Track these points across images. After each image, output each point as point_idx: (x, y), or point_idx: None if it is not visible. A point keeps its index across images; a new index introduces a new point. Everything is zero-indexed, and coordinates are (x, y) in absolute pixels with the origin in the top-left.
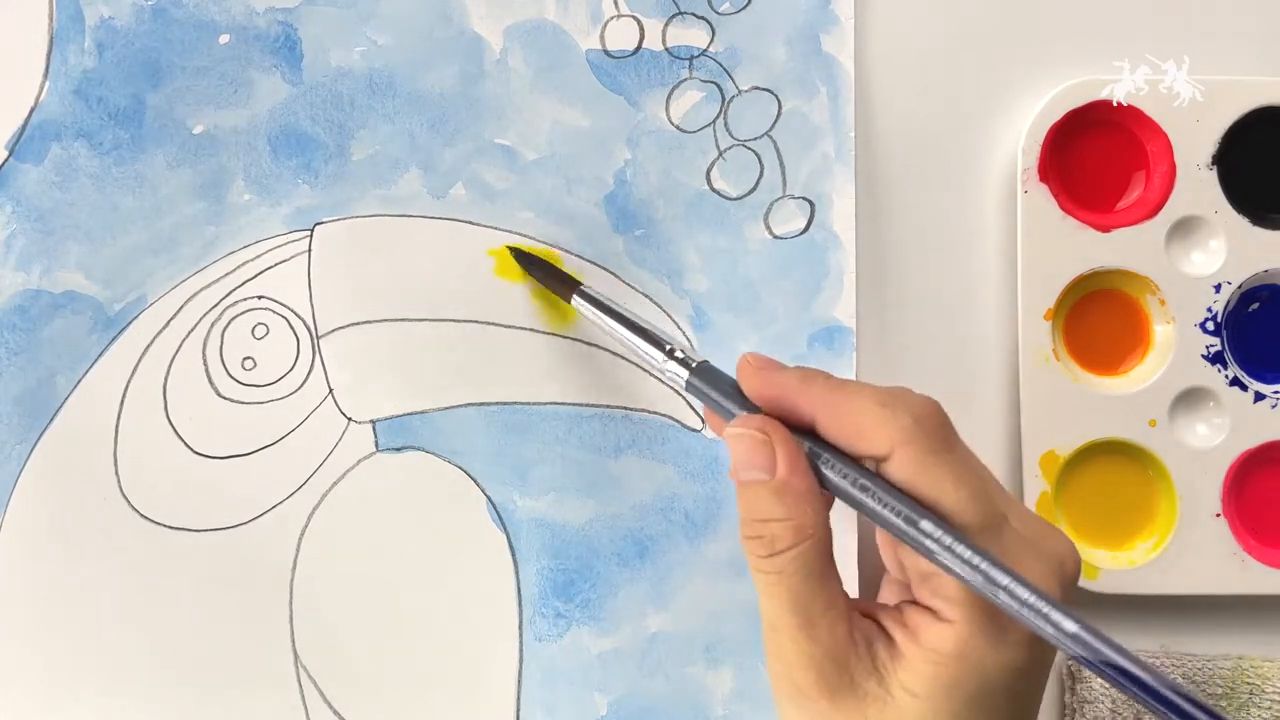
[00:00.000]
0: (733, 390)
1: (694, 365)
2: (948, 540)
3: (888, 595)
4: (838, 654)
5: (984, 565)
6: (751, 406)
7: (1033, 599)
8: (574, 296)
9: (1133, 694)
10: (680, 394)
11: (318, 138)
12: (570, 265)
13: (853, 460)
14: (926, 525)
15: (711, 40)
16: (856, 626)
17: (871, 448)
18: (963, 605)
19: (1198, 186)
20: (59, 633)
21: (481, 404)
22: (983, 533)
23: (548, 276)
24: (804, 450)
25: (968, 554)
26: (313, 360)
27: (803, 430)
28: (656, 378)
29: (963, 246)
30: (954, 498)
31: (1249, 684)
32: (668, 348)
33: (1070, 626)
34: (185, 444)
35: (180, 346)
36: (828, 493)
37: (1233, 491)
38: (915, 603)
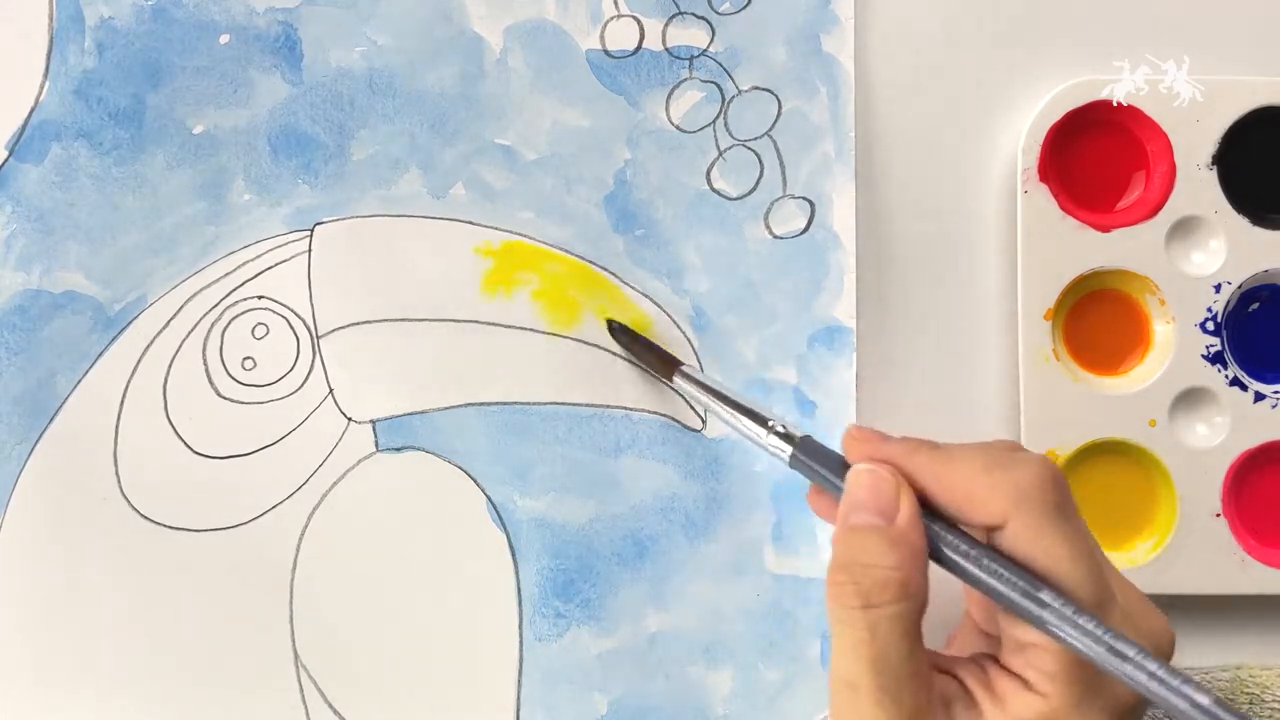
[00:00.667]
0: (838, 465)
1: (798, 440)
2: (1069, 612)
3: (962, 645)
4: (918, 718)
5: (1108, 637)
6: None
7: (1162, 672)
8: (675, 376)
9: None
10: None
11: (318, 138)
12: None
13: (961, 530)
14: (1046, 596)
15: (711, 40)
16: (935, 686)
17: (985, 516)
18: (1060, 681)
19: (1198, 186)
20: (59, 633)
21: (481, 404)
22: (1095, 608)
23: (647, 353)
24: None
25: (1091, 626)
26: (313, 360)
27: None
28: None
29: (963, 246)
30: (1069, 570)
31: (1248, 693)
32: (770, 423)
33: (1203, 699)
34: (185, 444)
35: (180, 346)
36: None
37: (1233, 491)
38: (1000, 664)
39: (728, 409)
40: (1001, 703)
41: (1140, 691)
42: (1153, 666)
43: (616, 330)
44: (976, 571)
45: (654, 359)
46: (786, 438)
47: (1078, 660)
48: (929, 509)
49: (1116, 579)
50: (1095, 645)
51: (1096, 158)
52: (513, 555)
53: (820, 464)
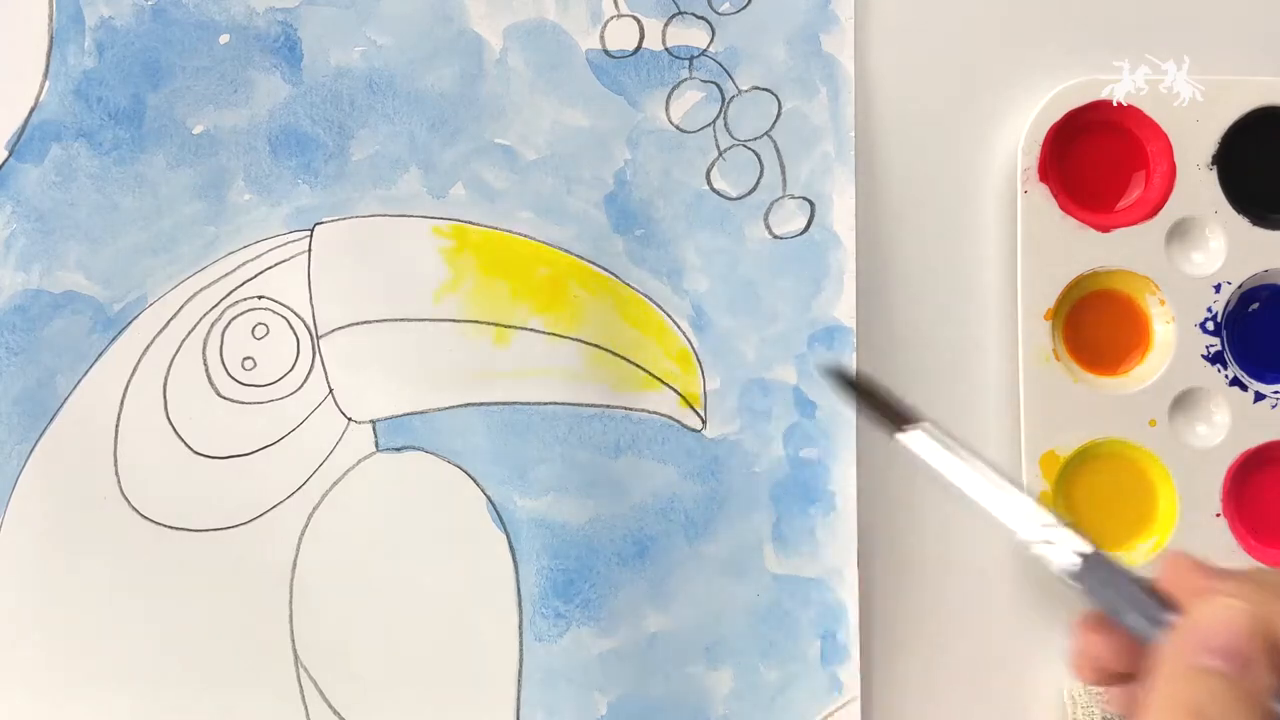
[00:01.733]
0: (1139, 590)
1: (1088, 555)
2: None
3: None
4: None
5: None
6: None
7: None
8: (915, 429)
9: None
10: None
11: (318, 138)
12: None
13: None
14: None
15: (711, 40)
16: None
17: None
18: None
19: (1198, 186)
20: (59, 633)
21: (481, 404)
22: None
23: (877, 404)
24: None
25: None
26: (313, 360)
27: None
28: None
29: (963, 246)
30: None
31: None
32: (1045, 524)
33: None
34: (185, 444)
35: (180, 346)
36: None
37: (1233, 491)
38: None
39: (978, 488)
40: None
41: None
42: None
43: (843, 381)
44: None
45: (885, 412)
46: (1075, 551)
47: None
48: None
49: None
50: None
51: (1096, 158)
52: (513, 555)
53: (1118, 590)
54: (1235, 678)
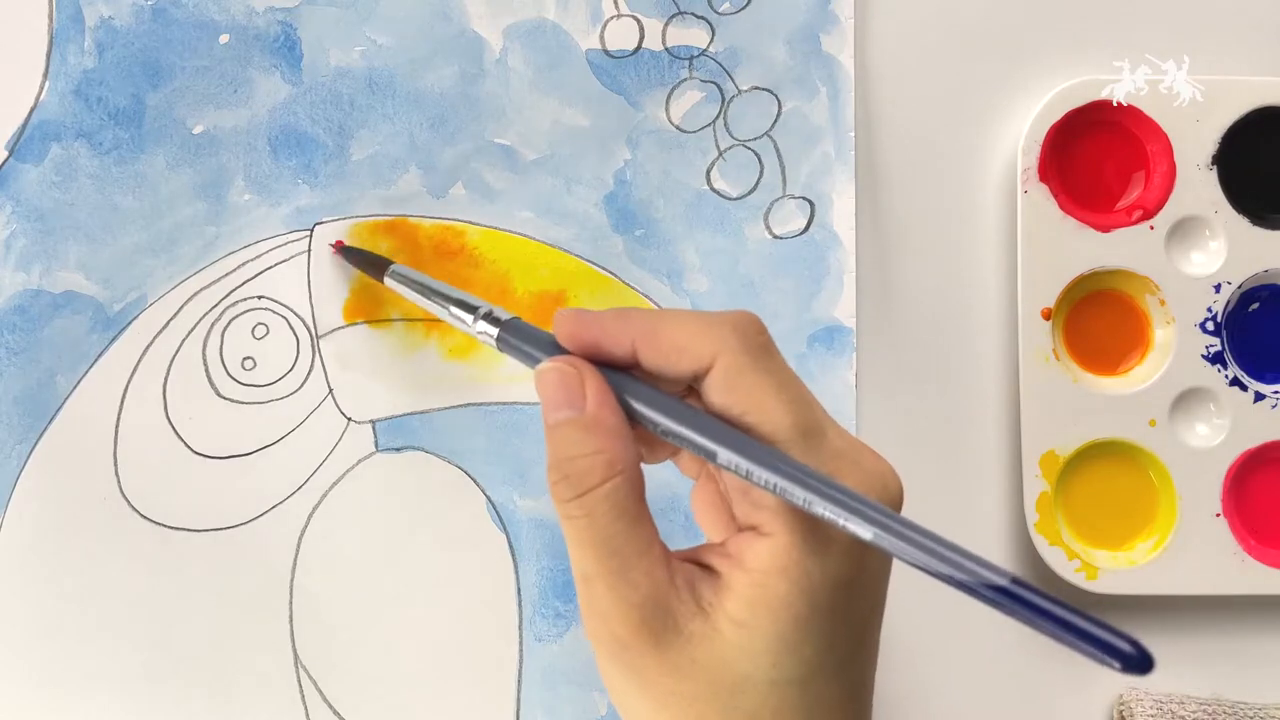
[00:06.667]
0: (548, 344)
1: (504, 322)
2: (756, 448)
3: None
4: (658, 598)
5: (793, 468)
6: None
7: (834, 493)
8: (386, 277)
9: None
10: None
11: (318, 138)
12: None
13: (662, 393)
14: (737, 435)
15: (711, 40)
16: (677, 571)
17: (694, 361)
18: (782, 516)
19: (1198, 186)
20: (59, 632)
21: (481, 404)
22: (804, 441)
23: (363, 261)
24: (612, 389)
25: (778, 458)
26: (313, 360)
27: (621, 369)
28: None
29: (963, 246)
30: (775, 405)
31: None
32: (478, 309)
33: (866, 533)
34: (185, 444)
35: (180, 346)
36: (640, 430)
37: (1233, 491)
38: (739, 532)
39: (439, 301)
40: (740, 561)
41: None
42: (824, 505)
43: (339, 249)
44: (674, 424)
45: (369, 265)
46: (493, 321)
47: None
48: (635, 375)
49: (835, 425)
50: (784, 479)
51: (1096, 158)
52: (513, 555)
53: (531, 344)
54: (575, 418)
